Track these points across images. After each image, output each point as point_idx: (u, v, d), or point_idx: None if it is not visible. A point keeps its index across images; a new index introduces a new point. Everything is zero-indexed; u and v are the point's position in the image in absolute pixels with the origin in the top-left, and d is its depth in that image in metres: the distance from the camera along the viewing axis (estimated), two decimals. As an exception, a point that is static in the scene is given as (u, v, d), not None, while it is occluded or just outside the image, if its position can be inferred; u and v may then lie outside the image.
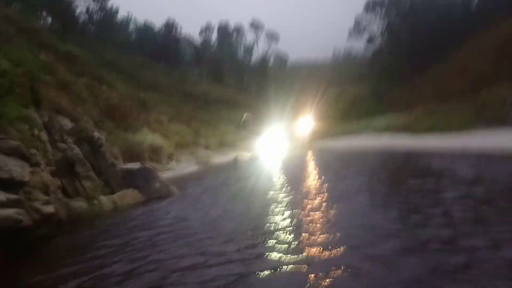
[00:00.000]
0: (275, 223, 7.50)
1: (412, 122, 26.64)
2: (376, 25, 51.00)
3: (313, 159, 23.75)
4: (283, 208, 8.82)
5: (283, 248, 5.79)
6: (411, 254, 5.05)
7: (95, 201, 10.60)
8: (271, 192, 11.43)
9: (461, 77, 28.03)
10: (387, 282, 4.34)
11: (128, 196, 11.71)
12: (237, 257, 5.67)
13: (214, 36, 73.21)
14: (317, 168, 17.86)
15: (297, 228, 6.91)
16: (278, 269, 5.04)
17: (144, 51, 51.00)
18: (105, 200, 10.90)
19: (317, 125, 43.05)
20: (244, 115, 44.18)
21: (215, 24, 72.12)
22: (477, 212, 6.67)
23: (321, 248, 5.57)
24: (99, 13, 47.56)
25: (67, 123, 12.51)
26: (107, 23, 48.55)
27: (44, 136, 10.07)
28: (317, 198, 9.56)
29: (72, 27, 39.36)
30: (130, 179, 12.37)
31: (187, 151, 25.27)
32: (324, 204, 8.77)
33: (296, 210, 8.38)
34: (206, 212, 9.46)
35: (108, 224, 9.19)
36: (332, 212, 7.84)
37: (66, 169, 10.63)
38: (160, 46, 55.18)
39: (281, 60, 79.54)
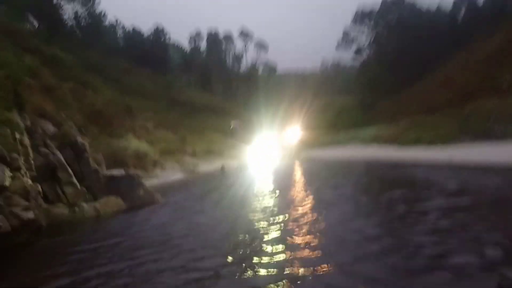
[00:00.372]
0: (257, 231, 7.48)
1: (399, 133, 27.04)
2: (364, 37, 52.02)
3: (300, 169, 23.83)
4: (266, 216, 8.83)
5: (262, 256, 5.78)
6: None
7: (77, 208, 10.37)
8: (257, 201, 11.40)
9: (447, 90, 28.69)
10: None
11: (111, 203, 11.49)
12: (210, 266, 5.62)
13: (203, 43, 73.56)
14: (304, 178, 17.91)
15: (280, 236, 6.89)
16: (251, 272, 5.03)
17: (132, 57, 50.62)
18: (87, 207, 10.67)
19: (305, 135, 43.35)
20: (232, 123, 44.18)
21: (205, 32, 72.59)
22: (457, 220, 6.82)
23: (303, 261, 5.53)
24: (87, 17, 47.13)
25: (50, 128, 12.27)
26: (95, 28, 48.08)
27: (26, 140, 9.86)
28: (301, 207, 9.59)
29: (59, 31, 38.84)
30: (114, 186, 12.16)
31: (173, 159, 25.00)
32: (308, 213, 8.78)
33: (280, 218, 8.38)
34: (189, 220, 9.39)
35: (87, 231, 9.04)
36: (315, 221, 7.85)
37: (47, 174, 10.40)
38: (148, 52, 54.86)
39: (270, 69, 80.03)
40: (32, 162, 9.64)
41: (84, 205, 10.70)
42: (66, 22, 43.98)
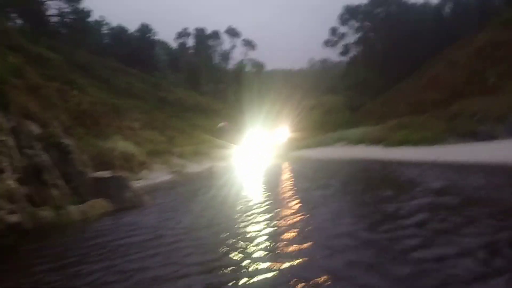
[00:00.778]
0: (245, 231, 7.53)
1: (386, 134, 27.33)
2: (350, 36, 52.40)
3: (288, 169, 23.93)
4: (254, 216, 8.92)
5: (246, 256, 5.85)
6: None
7: (63, 211, 10.21)
8: (245, 201, 11.44)
9: (434, 90, 29.17)
10: None
11: (98, 205, 11.36)
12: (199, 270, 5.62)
13: (190, 41, 73.20)
14: (292, 178, 18.01)
15: (268, 237, 6.95)
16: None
17: (118, 55, 50.06)
18: (73, 210, 10.51)
19: (293, 135, 43.51)
20: (221, 124, 44.03)
21: (192, 30, 72.21)
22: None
23: (291, 255, 5.65)
24: (72, 15, 46.31)
25: (35, 128, 12.05)
26: (80, 25, 47.31)
27: (10, 141, 9.68)
28: (289, 207, 9.70)
29: (43, 29, 38.16)
30: (101, 188, 12.02)
31: (161, 160, 24.78)
32: (296, 212, 8.87)
33: (268, 217, 8.51)
34: (177, 221, 9.38)
35: (73, 234, 8.95)
36: (303, 221, 7.94)
37: (33, 176, 10.20)
38: (135, 50, 54.32)
39: (258, 67, 79.92)
40: (18, 164, 9.47)
41: (71, 207, 10.54)
42: (50, 20, 43.21)
